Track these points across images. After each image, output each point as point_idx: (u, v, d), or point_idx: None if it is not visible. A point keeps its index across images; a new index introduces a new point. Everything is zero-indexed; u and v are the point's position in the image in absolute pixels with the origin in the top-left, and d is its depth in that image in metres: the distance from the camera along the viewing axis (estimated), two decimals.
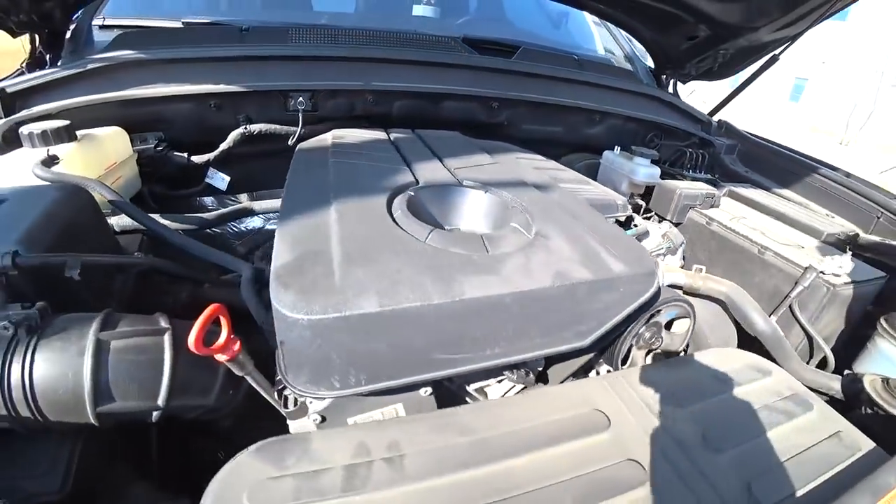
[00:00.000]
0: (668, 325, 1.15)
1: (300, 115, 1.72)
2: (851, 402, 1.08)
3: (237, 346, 0.82)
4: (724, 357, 1.00)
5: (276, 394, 0.98)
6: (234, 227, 2.00)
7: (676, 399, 0.87)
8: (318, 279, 0.79)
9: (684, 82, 2.29)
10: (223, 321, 0.77)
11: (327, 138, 1.53)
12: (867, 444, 0.80)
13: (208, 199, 2.00)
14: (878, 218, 1.63)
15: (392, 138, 1.56)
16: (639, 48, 2.47)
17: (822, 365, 1.29)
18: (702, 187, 1.71)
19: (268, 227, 2.05)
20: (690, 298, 1.15)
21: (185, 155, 1.75)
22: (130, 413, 0.85)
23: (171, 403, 0.87)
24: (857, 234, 1.58)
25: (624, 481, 0.71)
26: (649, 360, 1.17)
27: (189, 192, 1.86)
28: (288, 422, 0.99)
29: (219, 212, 1.55)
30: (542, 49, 2.05)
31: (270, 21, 2.01)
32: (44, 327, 0.81)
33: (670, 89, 2.33)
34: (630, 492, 0.69)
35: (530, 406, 0.83)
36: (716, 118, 2.23)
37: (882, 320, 1.22)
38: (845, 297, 1.30)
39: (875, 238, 1.55)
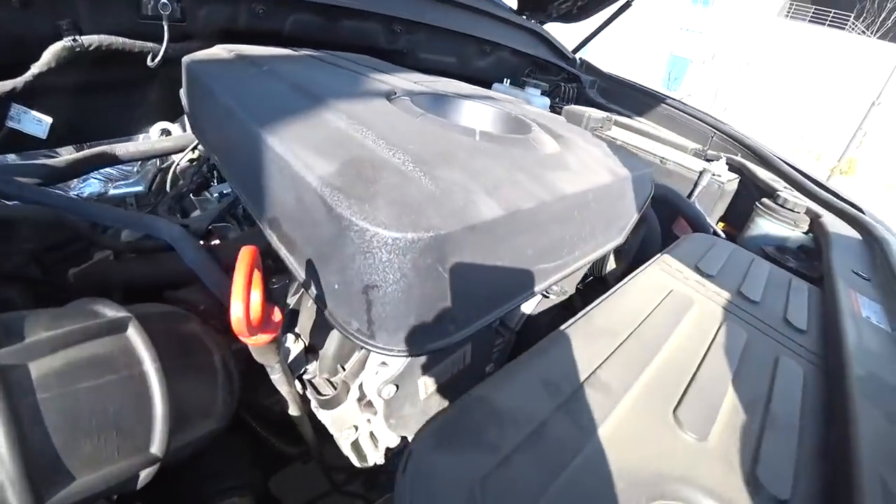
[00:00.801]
0: None
1: (164, 23, 1.19)
2: None
3: (278, 316, 0.52)
4: (697, 239, 1.08)
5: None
6: (62, 191, 1.34)
7: (702, 271, 0.91)
8: (405, 188, 0.53)
9: (543, 23, 2.36)
10: (257, 274, 0.46)
11: (220, 53, 1.09)
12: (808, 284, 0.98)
13: (10, 156, 1.28)
14: (712, 137, 1.97)
15: (307, 55, 1.20)
16: None
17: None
18: (601, 113, 1.81)
19: (113, 191, 1.44)
20: None
21: None
22: (94, 492, 0.44)
23: (171, 447, 0.50)
24: (704, 149, 1.89)
25: (731, 337, 0.69)
26: None
27: None
28: (321, 413, 0.70)
29: (71, 157, 0.98)
30: None
31: None
32: None
33: None
34: (740, 340, 0.68)
35: (636, 299, 0.74)
36: (578, 56, 2.38)
37: (757, 203, 1.48)
38: (730, 191, 1.53)
39: (714, 151, 1.88)
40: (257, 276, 0.44)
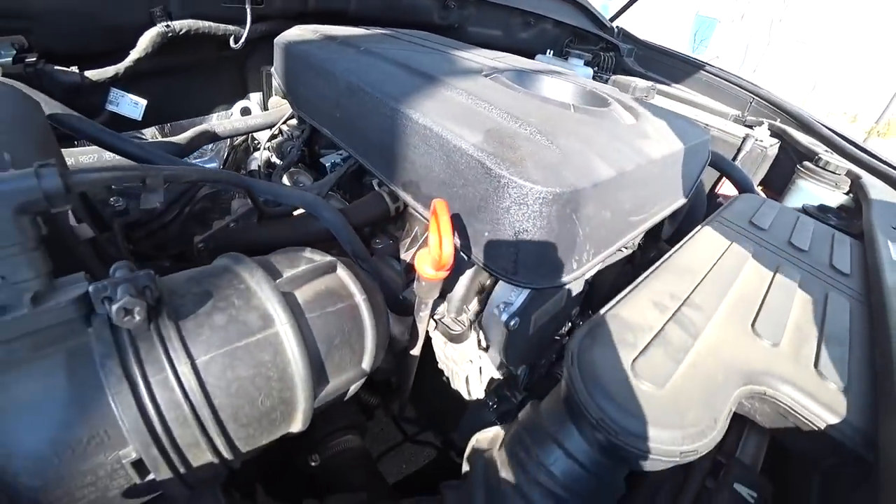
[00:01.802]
0: None
1: (247, 7, 1.33)
2: None
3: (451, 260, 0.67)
4: (747, 199, 1.24)
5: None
6: None
7: (756, 225, 1.06)
8: (540, 153, 0.70)
9: None
10: (442, 221, 0.62)
11: (307, 35, 1.24)
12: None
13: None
14: (751, 102, 2.10)
15: (383, 33, 1.34)
16: None
17: None
18: (646, 82, 1.94)
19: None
20: None
21: (76, 69, 1.22)
22: (337, 394, 0.62)
23: (374, 365, 0.67)
24: (745, 115, 2.02)
25: (787, 275, 0.85)
26: None
27: None
28: (448, 347, 0.88)
29: (186, 135, 1.15)
30: None
31: None
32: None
33: None
34: (794, 278, 0.86)
35: (705, 247, 0.90)
36: (615, 24, 2.48)
37: (798, 166, 1.63)
38: (771, 155, 1.68)
39: (753, 117, 2.01)
40: (449, 222, 0.61)
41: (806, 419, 0.60)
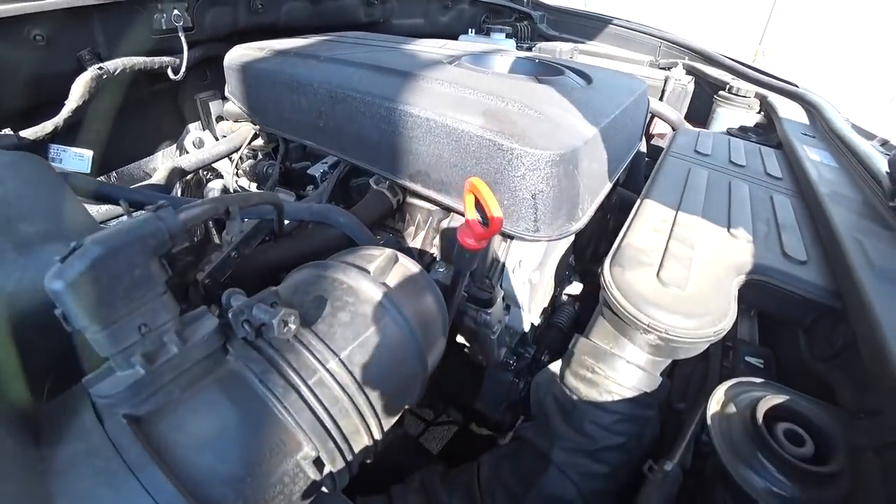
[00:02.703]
0: None
1: (182, 34, 1.35)
2: None
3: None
4: (686, 133, 1.46)
5: None
6: None
7: (700, 152, 1.27)
8: (535, 124, 0.83)
9: None
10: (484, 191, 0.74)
11: (254, 53, 1.28)
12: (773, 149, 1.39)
13: None
14: (660, 46, 2.37)
15: (324, 38, 1.41)
16: None
17: None
18: (569, 45, 2.13)
19: None
20: None
21: (10, 132, 1.18)
22: (435, 365, 0.75)
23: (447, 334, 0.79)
24: (657, 59, 2.28)
25: (739, 189, 1.06)
26: None
27: None
28: (480, 315, 1.01)
29: (161, 174, 1.16)
30: None
31: None
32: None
33: None
34: (745, 189, 1.05)
35: (673, 177, 1.09)
36: None
37: (715, 96, 1.90)
38: (690, 91, 1.94)
39: (665, 59, 2.29)
40: (489, 190, 0.72)
41: (788, 290, 0.79)
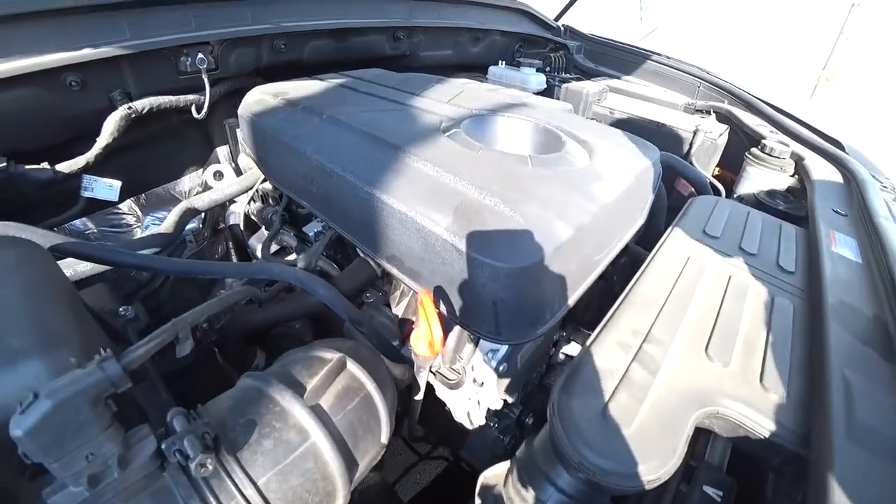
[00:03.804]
0: None
1: (205, 76, 1.40)
2: None
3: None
4: (700, 203, 1.37)
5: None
6: (128, 236, 1.57)
7: (709, 234, 1.20)
8: (506, 226, 0.81)
9: None
10: (429, 312, 0.74)
11: (269, 100, 1.31)
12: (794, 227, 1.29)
13: (78, 223, 1.50)
14: (699, 87, 2.24)
15: (339, 84, 1.43)
16: None
17: (717, 193, 1.84)
18: (598, 85, 2.06)
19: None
20: None
21: (47, 165, 1.28)
22: (366, 471, 0.77)
23: (389, 433, 0.81)
24: (694, 102, 2.16)
25: (738, 286, 0.99)
26: None
27: (61, 218, 1.38)
28: (446, 393, 1.00)
29: (170, 220, 1.22)
30: None
31: None
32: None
33: None
34: (745, 287, 0.98)
35: (664, 269, 1.03)
36: (560, 23, 2.58)
37: (747, 153, 1.78)
38: (721, 144, 1.82)
39: (703, 102, 2.16)
40: (435, 312, 0.72)
41: (752, 430, 0.74)
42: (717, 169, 2.05)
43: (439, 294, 0.85)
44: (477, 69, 2.27)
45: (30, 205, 1.28)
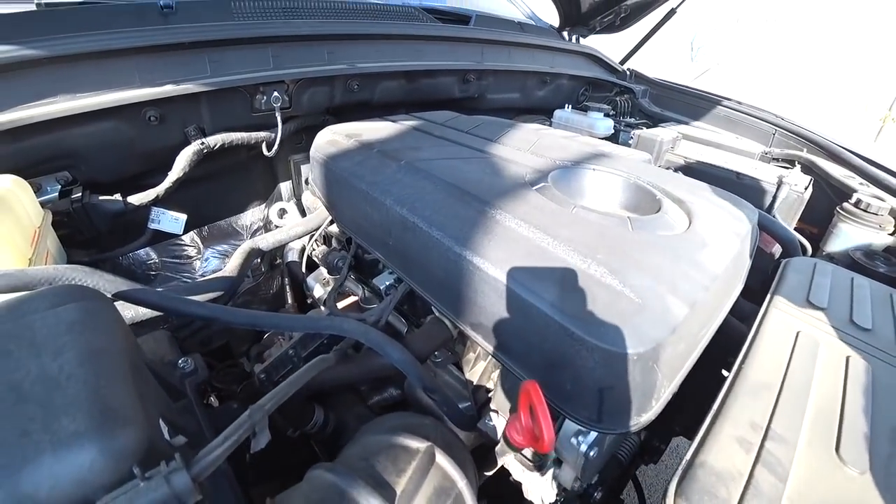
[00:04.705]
0: None
1: (278, 113, 1.38)
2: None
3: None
4: (797, 267, 1.24)
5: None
6: (187, 270, 1.55)
7: (814, 304, 1.06)
8: (618, 303, 0.71)
9: (585, 36, 2.51)
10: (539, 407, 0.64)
11: (341, 141, 1.28)
12: None
13: (141, 253, 1.49)
14: (774, 134, 2.11)
15: (413, 126, 1.38)
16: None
17: (805, 254, 1.69)
18: (669, 132, 1.96)
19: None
20: None
21: (119, 198, 1.27)
22: None
23: None
24: (770, 150, 2.03)
25: (858, 369, 0.85)
26: None
27: (126, 248, 1.37)
28: (527, 475, 0.90)
29: (234, 262, 1.18)
30: (489, 16, 2.00)
31: None
32: None
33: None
34: (867, 372, 0.85)
35: (773, 349, 0.90)
36: (626, 66, 2.52)
37: (838, 208, 1.64)
38: (805, 199, 1.69)
39: (779, 150, 2.02)
40: (545, 407, 0.62)
41: None
42: (799, 223, 1.91)
43: (537, 375, 0.76)
44: (543, 112, 2.22)
45: (98, 235, 1.27)
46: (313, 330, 0.98)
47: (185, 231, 1.49)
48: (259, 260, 1.65)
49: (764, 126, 2.14)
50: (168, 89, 1.20)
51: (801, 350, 0.93)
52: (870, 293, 1.18)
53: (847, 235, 1.61)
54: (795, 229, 1.94)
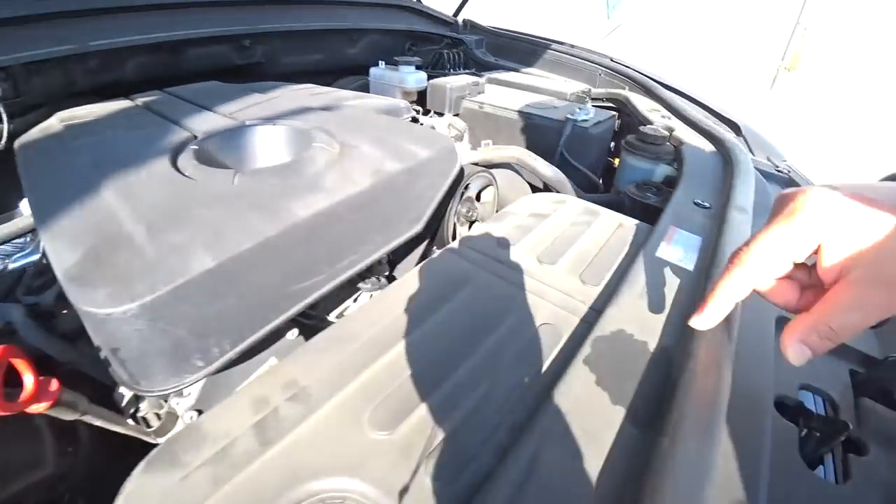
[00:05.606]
0: (478, 197, 1.33)
1: (0, 106, 1.33)
2: (621, 207, 1.40)
3: (55, 385, 0.68)
4: (530, 200, 1.20)
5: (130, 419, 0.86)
6: None
7: (506, 242, 1.02)
8: (128, 261, 0.69)
9: None
10: (21, 363, 0.62)
11: (53, 124, 1.23)
12: (637, 224, 1.09)
13: None
14: (600, 74, 2.06)
15: (140, 103, 1.33)
16: None
17: (595, 189, 1.66)
18: (466, 79, 1.90)
19: (12, 265, 1.61)
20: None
21: None
22: None
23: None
24: (590, 89, 1.98)
25: (498, 310, 0.82)
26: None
27: None
28: (158, 441, 0.88)
29: None
30: None
31: None
32: None
33: None
34: (508, 314, 0.81)
35: (402, 292, 0.87)
36: (460, 18, 2.43)
37: (623, 141, 1.60)
38: (595, 135, 1.65)
39: (601, 89, 1.97)
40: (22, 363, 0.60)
41: None
42: (617, 160, 1.87)
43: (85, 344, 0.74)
44: (361, 71, 2.14)
45: None
46: None
47: None
48: None
49: (590, 67, 2.08)
50: None
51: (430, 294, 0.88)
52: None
53: (632, 167, 1.58)
54: (611, 167, 1.91)
